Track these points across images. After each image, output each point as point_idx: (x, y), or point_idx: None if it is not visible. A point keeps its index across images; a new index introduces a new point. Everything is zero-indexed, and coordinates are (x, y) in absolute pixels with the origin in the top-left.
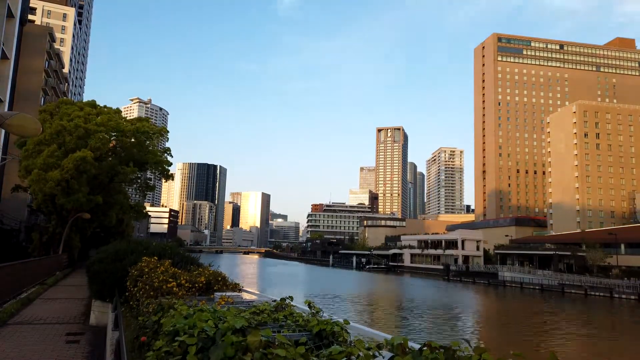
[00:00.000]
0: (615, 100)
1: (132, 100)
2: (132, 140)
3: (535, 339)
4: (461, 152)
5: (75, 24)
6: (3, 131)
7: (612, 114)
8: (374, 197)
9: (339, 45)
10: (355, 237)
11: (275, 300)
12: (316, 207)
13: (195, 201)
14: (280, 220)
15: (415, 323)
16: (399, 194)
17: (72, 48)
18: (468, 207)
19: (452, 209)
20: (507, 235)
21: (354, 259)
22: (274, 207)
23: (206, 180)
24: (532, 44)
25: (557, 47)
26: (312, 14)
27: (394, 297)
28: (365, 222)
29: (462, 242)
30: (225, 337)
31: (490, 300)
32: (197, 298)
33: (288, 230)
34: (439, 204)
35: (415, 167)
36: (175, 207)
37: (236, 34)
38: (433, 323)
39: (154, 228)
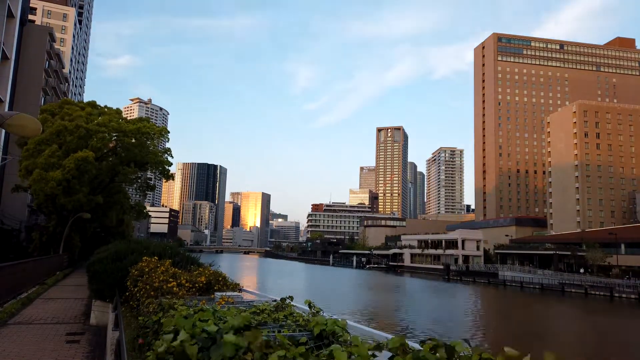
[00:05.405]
0: (615, 100)
1: (132, 100)
2: (133, 140)
3: (535, 339)
4: (461, 152)
5: (75, 24)
6: (3, 131)
7: (612, 114)
8: (374, 197)
9: (337, 45)
10: (356, 237)
11: (275, 300)
12: (316, 207)
13: (195, 201)
14: (280, 220)
15: (415, 321)
16: (399, 194)
17: (72, 48)
18: (468, 207)
19: (452, 209)
20: (507, 235)
21: (354, 258)
22: (274, 207)
23: (206, 180)
24: (532, 44)
25: (557, 47)
26: (314, 15)
27: None
28: (365, 222)
29: (462, 242)
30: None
31: (489, 299)
32: (198, 298)
33: (288, 230)
34: (439, 204)
35: (415, 167)
36: (176, 207)
37: (236, 32)
38: (433, 322)
39: (154, 228)
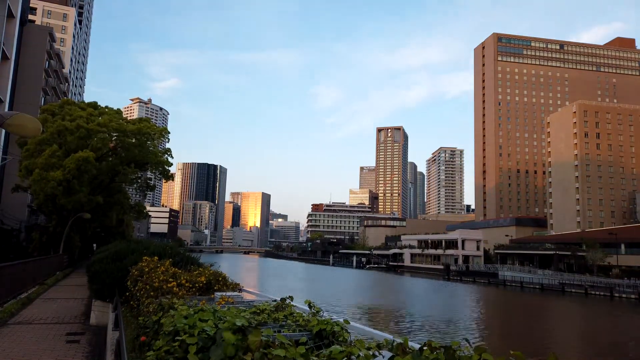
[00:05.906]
0: (615, 100)
1: (132, 100)
2: (134, 140)
3: (535, 339)
4: (461, 152)
5: (75, 24)
6: (3, 131)
7: (612, 114)
8: (374, 197)
9: (337, 46)
10: (356, 237)
11: (275, 300)
12: (316, 207)
13: (195, 201)
14: (280, 220)
15: (415, 321)
16: (399, 194)
17: (72, 48)
18: (468, 207)
19: (452, 209)
20: (507, 235)
21: (354, 258)
22: (274, 207)
23: (206, 180)
24: (532, 44)
25: (557, 47)
26: (313, 14)
27: None
28: (365, 222)
29: (462, 242)
30: (225, 337)
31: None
32: (198, 298)
33: (288, 230)
34: (439, 204)
35: (415, 167)
36: (176, 207)
37: (237, 31)
38: (433, 322)
39: (154, 228)
